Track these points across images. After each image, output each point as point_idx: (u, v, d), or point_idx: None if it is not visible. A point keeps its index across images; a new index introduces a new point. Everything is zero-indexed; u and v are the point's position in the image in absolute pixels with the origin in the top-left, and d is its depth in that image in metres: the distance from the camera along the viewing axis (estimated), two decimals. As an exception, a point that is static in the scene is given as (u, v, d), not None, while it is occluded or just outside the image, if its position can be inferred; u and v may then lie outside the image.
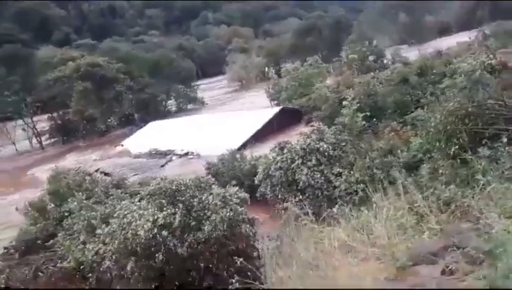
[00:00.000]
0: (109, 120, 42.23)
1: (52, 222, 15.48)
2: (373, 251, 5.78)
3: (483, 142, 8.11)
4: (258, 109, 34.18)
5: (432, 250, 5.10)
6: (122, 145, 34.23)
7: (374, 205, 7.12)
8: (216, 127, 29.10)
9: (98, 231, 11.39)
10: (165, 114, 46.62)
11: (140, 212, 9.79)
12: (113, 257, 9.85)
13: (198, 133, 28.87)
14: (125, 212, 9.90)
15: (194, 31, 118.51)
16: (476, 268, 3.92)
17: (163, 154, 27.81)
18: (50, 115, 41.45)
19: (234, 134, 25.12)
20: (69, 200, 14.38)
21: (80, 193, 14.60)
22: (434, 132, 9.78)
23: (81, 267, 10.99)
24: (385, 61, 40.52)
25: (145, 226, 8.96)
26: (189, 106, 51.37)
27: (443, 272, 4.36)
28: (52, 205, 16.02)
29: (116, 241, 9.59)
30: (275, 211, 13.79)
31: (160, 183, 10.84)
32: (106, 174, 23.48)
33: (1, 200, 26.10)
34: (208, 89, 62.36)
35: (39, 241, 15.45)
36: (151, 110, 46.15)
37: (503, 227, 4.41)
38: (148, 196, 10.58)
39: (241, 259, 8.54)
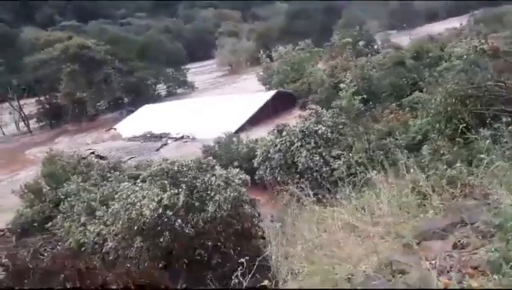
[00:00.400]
0: (98, 104, 41.60)
1: (49, 204, 15.44)
2: (377, 229, 5.93)
3: (487, 122, 8.30)
4: (250, 93, 34.15)
5: (441, 226, 5.27)
6: (115, 129, 33.98)
7: (375, 186, 7.27)
8: (210, 110, 29.01)
9: (98, 213, 11.47)
10: (155, 98, 46.05)
11: (144, 193, 9.84)
12: (116, 237, 9.91)
13: (192, 117, 28.78)
14: (129, 193, 9.93)
15: (181, 14, 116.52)
16: (486, 242, 4.09)
17: (158, 138, 27.77)
18: (38, 98, 40.61)
19: (230, 117, 25.13)
20: (65, 183, 14.33)
21: (76, 176, 14.57)
22: (434, 113, 9.96)
23: (83, 248, 11.05)
24: (375, 47, 40.61)
25: (150, 205, 9.01)
26: (179, 90, 50.85)
27: (454, 246, 4.53)
28: (48, 188, 15.95)
29: (120, 222, 9.63)
30: (273, 193, 13.99)
31: (162, 165, 10.89)
32: (101, 157, 23.42)
33: (16, 175, 26.13)
34: (197, 73, 61.67)
35: (35, 224, 15.44)
36: (140, 94, 45.55)
37: (511, 202, 4.59)
38: (150, 177, 10.61)
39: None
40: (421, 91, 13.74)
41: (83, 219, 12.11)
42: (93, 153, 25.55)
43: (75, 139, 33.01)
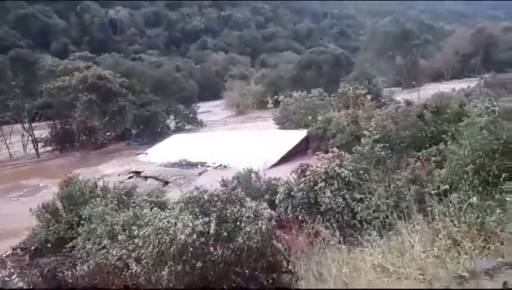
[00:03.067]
0: (108, 133, 42.24)
1: (64, 225, 15.52)
2: (410, 271, 6.18)
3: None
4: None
5: (486, 267, 5.56)
6: (146, 154, 34.78)
7: (403, 230, 7.55)
8: (242, 143, 30.41)
9: (120, 237, 11.59)
10: (163, 132, 46.75)
11: (176, 219, 10.00)
12: (143, 262, 9.98)
13: (226, 148, 30.06)
14: (161, 217, 10.12)
15: (193, 55, 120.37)
16: None
17: (194, 165, 28.76)
18: (52, 122, 41.18)
19: (263, 150, 26.38)
20: (87, 206, 14.45)
21: (99, 199, 14.73)
22: (462, 165, 10.38)
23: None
24: (382, 101, 41.78)
25: (186, 231, 9.18)
26: (188, 126, 51.73)
27: (504, 285, 4.82)
28: (63, 209, 16.06)
29: (151, 246, 9.74)
30: (292, 230, 14.12)
31: (193, 192, 11.14)
32: (147, 177, 25.74)
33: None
34: (205, 111, 63.16)
35: (49, 245, 15.43)
36: (148, 127, 46.37)
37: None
38: (183, 204, 10.82)
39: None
40: (440, 143, 14.27)
41: (104, 242, 12.21)
42: (137, 173, 26.86)
43: (97, 164, 33.17)
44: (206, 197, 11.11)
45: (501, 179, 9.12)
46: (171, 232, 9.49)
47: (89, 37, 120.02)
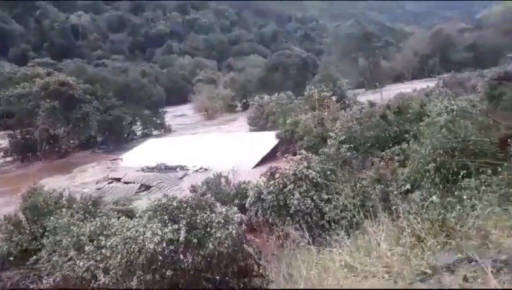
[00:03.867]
0: (72, 141, 40.97)
1: (28, 237, 14.92)
2: (377, 269, 6.38)
3: (472, 172, 9.10)
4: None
5: (447, 262, 5.80)
6: (121, 160, 34.18)
7: (370, 229, 7.78)
8: (220, 146, 30.68)
9: (87, 248, 11.30)
10: (129, 138, 45.89)
11: (144, 228, 9.86)
12: (111, 272, 9.77)
13: (204, 151, 30.29)
14: (129, 226, 9.94)
15: (159, 59, 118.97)
16: (495, 276, 4.64)
17: (173, 169, 28.60)
18: (12, 132, 39.48)
19: (241, 153, 26.49)
20: (52, 217, 13.94)
21: (65, 210, 14.27)
22: (423, 163, 10.77)
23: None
24: (347, 102, 42.73)
25: (154, 239, 9.06)
26: (155, 132, 51.02)
27: (465, 279, 5.05)
28: (27, 221, 15.45)
29: (119, 256, 9.55)
30: (262, 233, 14.21)
31: (162, 200, 11.01)
32: (127, 183, 25.57)
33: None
34: (173, 116, 62.63)
35: (11, 258, 14.77)
36: (114, 134, 45.38)
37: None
38: (151, 212, 10.68)
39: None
40: (403, 143, 14.74)
41: (71, 254, 11.86)
42: (118, 179, 26.79)
43: (67, 172, 32.14)
44: (175, 204, 11.03)
45: (460, 176, 9.50)
46: (140, 241, 9.36)
47: (49, 43, 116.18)
